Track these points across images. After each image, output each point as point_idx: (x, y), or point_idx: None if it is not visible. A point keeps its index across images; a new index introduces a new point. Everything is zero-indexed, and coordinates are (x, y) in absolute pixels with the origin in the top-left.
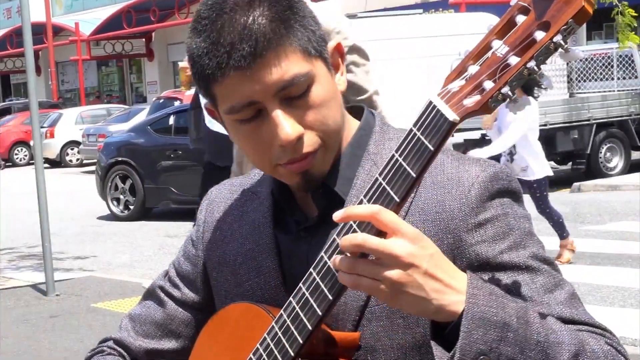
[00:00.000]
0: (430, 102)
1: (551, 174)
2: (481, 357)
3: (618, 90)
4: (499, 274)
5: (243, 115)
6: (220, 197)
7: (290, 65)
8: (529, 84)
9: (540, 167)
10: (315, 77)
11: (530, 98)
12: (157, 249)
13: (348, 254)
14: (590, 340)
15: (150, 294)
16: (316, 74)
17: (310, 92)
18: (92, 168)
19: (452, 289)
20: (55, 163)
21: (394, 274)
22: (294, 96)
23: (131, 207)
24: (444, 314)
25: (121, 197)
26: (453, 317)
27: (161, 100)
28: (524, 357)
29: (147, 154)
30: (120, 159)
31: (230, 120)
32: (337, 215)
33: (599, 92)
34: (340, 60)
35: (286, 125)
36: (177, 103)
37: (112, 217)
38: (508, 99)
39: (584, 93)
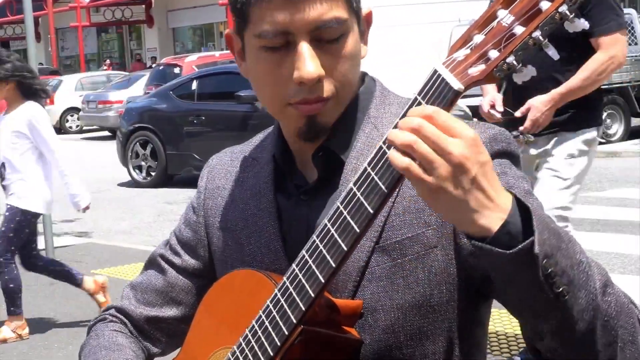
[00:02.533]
0: (435, 71)
1: (42, 212)
2: (545, 260)
3: None
4: None
5: (272, 42)
6: (221, 164)
7: (333, 8)
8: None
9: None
10: (350, 29)
11: None
12: (157, 215)
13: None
14: (609, 276)
15: (151, 263)
16: (351, 27)
17: (342, 41)
18: (92, 135)
19: (494, 203)
20: (56, 129)
21: (443, 169)
22: (326, 39)
23: (153, 173)
24: (477, 227)
25: (142, 163)
26: (485, 232)
27: (161, 67)
28: (572, 273)
29: (169, 119)
30: (141, 125)
31: (256, 46)
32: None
33: None
34: (367, 30)
35: (311, 61)
36: (176, 70)
37: (133, 183)
38: (513, 69)
39: None
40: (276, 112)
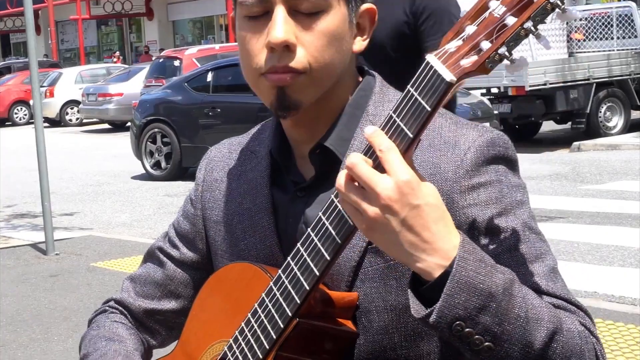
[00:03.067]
0: (427, 62)
1: None
2: (457, 322)
3: (618, 50)
4: (485, 239)
5: (251, 10)
6: (219, 156)
7: None
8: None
9: None
10: (331, 8)
11: None
12: (157, 208)
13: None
14: (566, 319)
15: (150, 256)
16: (333, 7)
17: (321, 17)
18: (92, 127)
19: (431, 247)
20: (55, 122)
21: (370, 209)
22: (303, 11)
23: (167, 166)
24: (417, 269)
25: (156, 156)
26: (427, 276)
27: (161, 60)
28: (501, 330)
29: (184, 112)
30: (156, 117)
31: (240, 16)
32: (368, 130)
33: (599, 51)
34: (369, 25)
35: (280, 26)
36: (176, 62)
37: (147, 176)
38: (505, 60)
39: (584, 52)
40: (253, 84)
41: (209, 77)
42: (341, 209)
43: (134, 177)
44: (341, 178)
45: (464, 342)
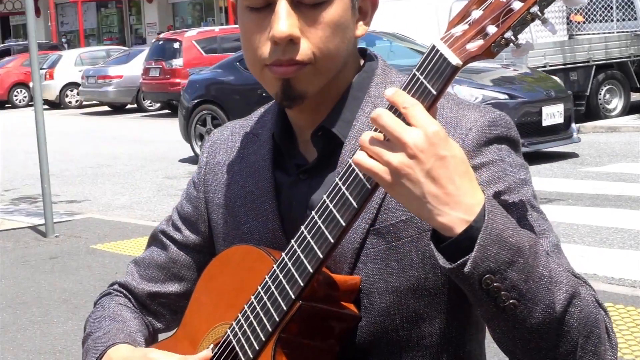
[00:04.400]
0: (434, 47)
1: None
2: (487, 275)
3: (617, 32)
4: None
5: (254, 1)
6: (222, 139)
7: None
8: None
9: None
10: None
11: None
12: (156, 190)
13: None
14: (581, 288)
15: (153, 239)
16: None
17: (324, 7)
18: (92, 110)
19: (455, 201)
20: (55, 104)
21: (394, 158)
22: (306, 2)
23: None
24: (437, 224)
25: (205, 137)
26: (448, 232)
27: (160, 42)
28: (526, 287)
29: (235, 92)
30: (206, 98)
31: (242, 6)
32: (389, 91)
33: (599, 33)
34: (371, 10)
35: (284, 20)
36: (176, 45)
37: (194, 159)
38: (511, 44)
39: (584, 35)
40: (257, 74)
41: None
42: (358, 172)
43: (133, 159)
44: (364, 134)
45: (491, 297)
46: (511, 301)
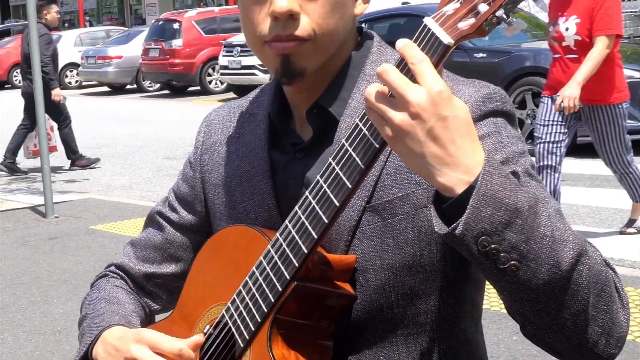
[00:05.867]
0: (425, 25)
1: None
2: (483, 237)
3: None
4: None
5: None
6: (218, 119)
7: None
8: None
9: None
10: None
11: None
12: (156, 171)
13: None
14: (589, 247)
15: (150, 220)
16: None
17: None
18: (92, 90)
19: (454, 162)
20: None
21: (397, 116)
22: None
23: None
24: (438, 185)
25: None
26: (448, 192)
27: (160, 22)
28: (527, 248)
29: None
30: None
31: None
32: (400, 42)
33: None
34: None
35: None
36: (176, 25)
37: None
38: (502, 22)
39: None
40: (257, 52)
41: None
42: (351, 152)
43: (133, 140)
44: (370, 87)
45: (490, 260)
46: (512, 262)
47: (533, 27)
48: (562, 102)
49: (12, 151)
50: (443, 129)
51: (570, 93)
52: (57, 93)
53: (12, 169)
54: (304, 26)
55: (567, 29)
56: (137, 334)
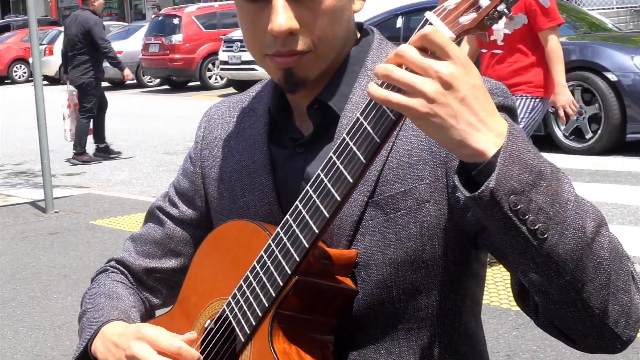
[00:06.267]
0: (427, 20)
1: None
2: (512, 196)
3: (617, 8)
4: None
5: None
6: (218, 114)
7: None
8: None
9: None
10: None
11: None
12: (156, 166)
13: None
14: (605, 220)
15: (150, 215)
16: None
17: None
18: None
19: (485, 126)
20: (54, 80)
21: (429, 87)
22: None
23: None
24: (469, 150)
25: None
26: (479, 157)
27: (160, 17)
28: (553, 211)
29: None
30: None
31: None
32: (429, 22)
33: (598, 9)
34: None
35: (282, 14)
36: (176, 20)
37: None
38: (504, 17)
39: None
40: (258, 61)
41: (399, 22)
42: (352, 146)
43: (133, 135)
44: (386, 66)
45: (521, 220)
46: (540, 225)
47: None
48: (563, 112)
49: (99, 138)
50: (475, 97)
51: (566, 99)
52: (127, 73)
53: (107, 152)
54: (304, 40)
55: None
56: (137, 331)
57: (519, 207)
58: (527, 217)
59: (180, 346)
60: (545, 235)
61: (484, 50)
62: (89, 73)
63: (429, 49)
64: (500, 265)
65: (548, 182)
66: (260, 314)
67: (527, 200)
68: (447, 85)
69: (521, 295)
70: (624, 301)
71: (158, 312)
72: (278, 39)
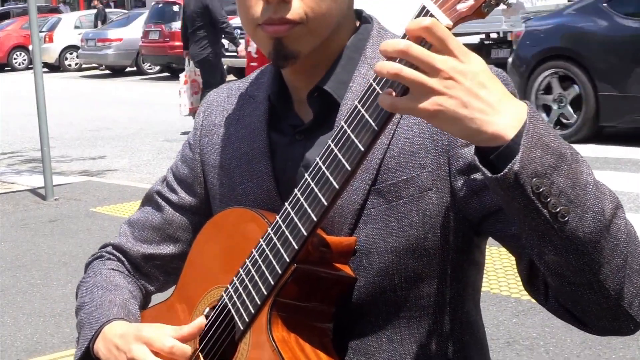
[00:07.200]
0: (424, 7)
1: None
2: (535, 178)
3: None
4: None
5: None
6: (218, 100)
7: None
8: None
9: None
10: None
11: None
12: (156, 153)
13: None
14: (620, 202)
15: (148, 200)
16: None
17: None
18: (91, 72)
19: (499, 109)
20: (54, 67)
21: (436, 85)
22: None
23: (572, 122)
24: (486, 135)
25: (554, 107)
26: (497, 140)
27: (160, 5)
28: (574, 193)
29: (603, 45)
30: (555, 53)
31: None
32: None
33: None
34: None
35: None
36: (175, 7)
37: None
38: (501, 4)
39: None
40: (250, 33)
41: None
42: (350, 134)
43: (133, 122)
44: (385, 67)
45: (543, 203)
46: (561, 207)
47: None
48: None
49: None
50: (479, 83)
51: None
52: (241, 49)
53: None
54: (296, 9)
55: None
56: (137, 333)
57: (541, 189)
58: (549, 199)
59: (173, 345)
60: (566, 218)
61: (253, 63)
62: (209, 49)
63: (427, 41)
64: (500, 252)
65: (569, 164)
66: (259, 302)
67: (549, 182)
68: (451, 79)
69: (530, 280)
70: (638, 283)
71: (154, 298)
72: (270, 6)
